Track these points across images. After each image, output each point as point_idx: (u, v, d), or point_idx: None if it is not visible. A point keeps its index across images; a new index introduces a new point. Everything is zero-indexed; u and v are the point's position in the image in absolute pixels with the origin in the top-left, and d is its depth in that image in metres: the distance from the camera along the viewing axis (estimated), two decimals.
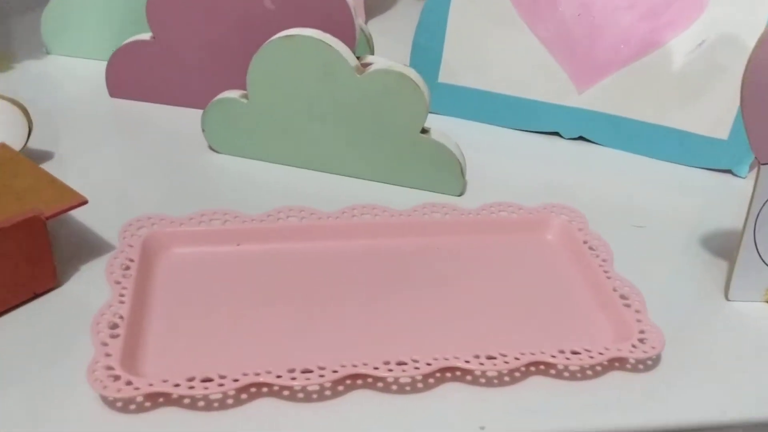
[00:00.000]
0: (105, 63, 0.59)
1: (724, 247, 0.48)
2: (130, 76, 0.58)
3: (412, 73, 0.48)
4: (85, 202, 0.40)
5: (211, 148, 0.54)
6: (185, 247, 0.43)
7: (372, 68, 0.48)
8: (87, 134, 0.55)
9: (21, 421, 0.33)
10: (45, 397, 0.34)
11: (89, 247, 0.43)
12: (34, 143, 0.52)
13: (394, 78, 0.48)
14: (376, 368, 0.35)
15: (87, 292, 0.40)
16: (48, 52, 0.65)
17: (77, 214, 0.45)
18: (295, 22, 0.51)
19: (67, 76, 0.62)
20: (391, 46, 0.62)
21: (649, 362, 0.39)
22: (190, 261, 0.42)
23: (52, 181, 0.41)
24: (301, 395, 0.35)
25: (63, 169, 0.50)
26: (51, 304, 0.39)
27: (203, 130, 0.53)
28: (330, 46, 0.48)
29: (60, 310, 0.39)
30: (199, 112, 0.55)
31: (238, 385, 0.34)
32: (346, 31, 0.53)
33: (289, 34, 0.48)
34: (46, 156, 0.51)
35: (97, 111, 0.58)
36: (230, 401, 0.34)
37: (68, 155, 0.52)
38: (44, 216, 0.38)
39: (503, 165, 0.56)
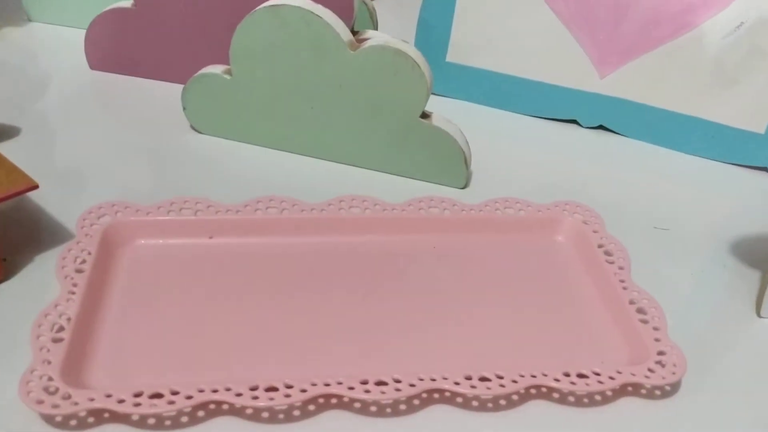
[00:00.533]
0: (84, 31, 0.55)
1: (757, 255, 0.43)
2: (111, 46, 0.53)
3: (412, 51, 0.43)
4: (35, 187, 0.35)
5: (192, 127, 0.49)
6: (151, 239, 0.38)
7: (367, 44, 0.43)
8: (61, 109, 0.51)
9: None
10: None
11: (47, 235, 0.39)
12: (1, 117, 0.48)
13: (391, 55, 0.43)
14: (351, 388, 0.30)
15: (39, 286, 0.36)
16: (29, 19, 0.61)
17: (36, 198, 0.41)
18: None
19: (48, 45, 0.58)
20: (400, 22, 0.57)
21: (668, 388, 0.34)
22: (156, 254, 0.38)
23: (1, 162, 0.37)
24: (265, 414, 0.31)
25: (28, 147, 0.46)
26: None
27: (184, 108, 0.48)
28: (320, 17, 0.43)
29: (5, 306, 0.35)
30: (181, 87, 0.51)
31: (191, 402, 0.29)
32: (342, 3, 0.48)
33: (274, 3, 0.43)
34: (11, 131, 0.47)
35: (75, 84, 0.53)
36: (185, 419, 0.30)
37: (37, 131, 0.48)
38: None
39: (513, 155, 0.51)
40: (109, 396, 0.29)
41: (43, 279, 0.36)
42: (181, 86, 0.49)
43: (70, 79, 0.54)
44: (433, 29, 0.54)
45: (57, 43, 0.58)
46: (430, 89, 0.44)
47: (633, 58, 0.52)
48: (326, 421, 0.31)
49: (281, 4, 0.43)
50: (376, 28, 0.57)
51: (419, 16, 0.54)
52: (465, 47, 0.54)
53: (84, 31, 0.56)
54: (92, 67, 0.55)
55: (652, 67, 0.51)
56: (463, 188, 0.46)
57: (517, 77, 0.54)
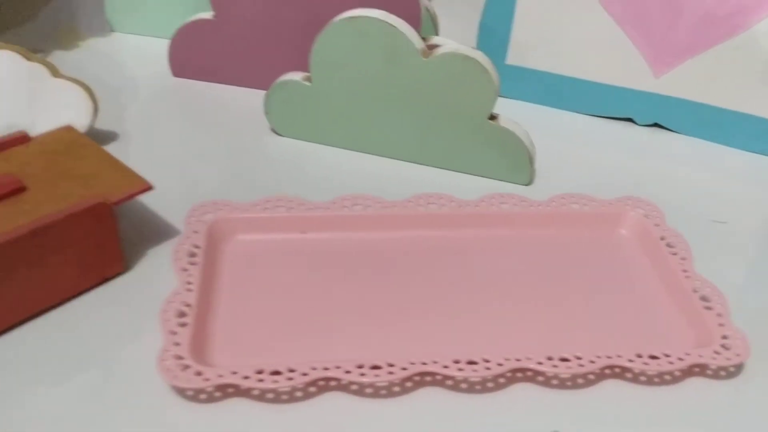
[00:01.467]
0: (167, 41, 0.59)
1: None
2: (193, 55, 0.57)
3: (481, 57, 0.46)
4: (149, 188, 0.39)
5: (273, 130, 0.53)
6: (250, 234, 0.42)
7: (439, 51, 0.47)
8: (149, 115, 0.55)
9: (89, 405, 0.33)
10: (115, 382, 0.34)
11: (154, 231, 0.43)
12: (97, 123, 0.52)
13: (461, 62, 0.46)
14: (446, 367, 0.34)
15: (154, 277, 0.40)
16: (112, 30, 0.65)
17: (140, 197, 0.45)
18: (359, 1, 0.50)
19: (132, 54, 0.62)
20: (455, 25, 0.60)
21: (732, 369, 0.37)
22: (255, 248, 0.42)
23: (117, 165, 0.41)
24: (369, 390, 0.34)
25: (125, 151, 0.50)
26: (119, 289, 0.39)
27: (266, 113, 0.52)
28: (395, 27, 0.46)
29: (128, 294, 0.39)
30: (262, 93, 0.55)
31: (306, 379, 0.33)
32: (410, 11, 0.51)
33: (352, 15, 0.47)
34: (109, 137, 0.51)
35: (160, 91, 0.58)
36: (299, 394, 0.34)
37: (130, 136, 0.52)
38: (110, 202, 0.38)
39: (572, 153, 0.54)
40: (234, 373, 0.33)
41: (156, 270, 0.40)
42: (258, 91, 0.53)
43: (154, 86, 0.58)
44: (494, 33, 0.57)
45: (139, 52, 0.62)
46: (498, 93, 0.47)
47: (687, 58, 0.54)
48: (422, 396, 0.34)
49: (359, 16, 0.46)
50: (437, 32, 0.60)
51: (481, 20, 0.57)
52: (524, 50, 0.57)
53: (164, 41, 0.60)
54: (175, 74, 0.59)
55: (706, 67, 0.53)
56: (527, 185, 0.49)
57: (574, 78, 0.57)
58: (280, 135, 0.53)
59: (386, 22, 0.46)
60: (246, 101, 0.56)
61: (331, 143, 0.52)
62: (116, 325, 0.37)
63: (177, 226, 0.43)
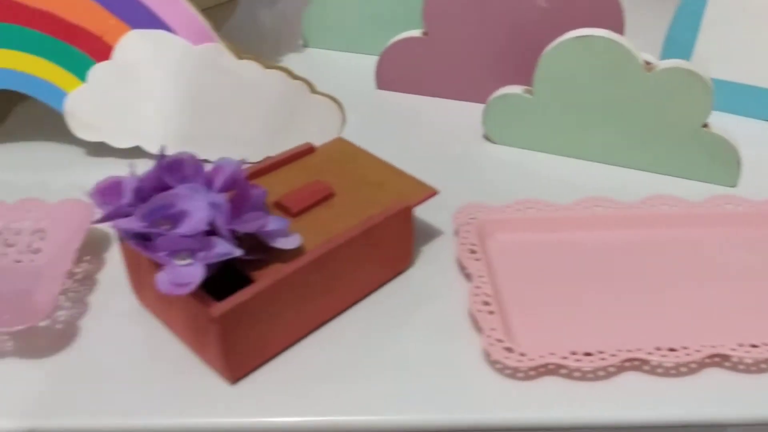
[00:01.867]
0: (360, 56, 0.65)
1: None
2: (401, 69, 0.62)
3: (701, 70, 0.51)
4: (436, 193, 0.45)
5: (486, 138, 0.58)
6: (507, 233, 0.47)
7: (660, 66, 0.51)
8: (364, 124, 0.59)
9: (415, 382, 0.39)
10: (433, 363, 0.40)
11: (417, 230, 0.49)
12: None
13: (684, 76, 0.51)
14: (733, 349, 0.39)
15: (433, 271, 0.45)
16: (305, 46, 0.70)
17: None
18: (566, 20, 0.54)
19: (329, 68, 0.68)
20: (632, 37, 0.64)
21: None
22: (514, 246, 0.47)
23: (398, 172, 0.46)
24: (659, 370, 0.39)
25: None
26: (412, 281, 0.45)
27: (484, 122, 0.57)
28: (622, 45, 0.51)
29: (420, 285, 0.44)
30: (465, 103, 0.60)
31: (615, 359, 0.38)
32: (615, 28, 0.56)
33: (581, 34, 0.52)
34: None
35: (368, 103, 0.63)
36: (601, 373, 0.39)
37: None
38: (412, 205, 0.43)
39: (759, 156, 0.58)
40: (553, 354, 0.38)
41: (432, 265, 0.46)
42: (460, 102, 0.58)
43: (362, 99, 0.63)
44: (679, 45, 0.61)
45: (335, 67, 0.68)
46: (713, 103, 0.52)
47: None
48: (706, 375, 0.39)
49: (588, 35, 0.51)
50: None
51: (668, 33, 0.61)
52: (707, 60, 0.61)
53: (354, 55, 0.66)
54: (380, 87, 0.64)
55: None
56: (732, 187, 0.54)
57: (751, 86, 0.61)
58: (494, 143, 0.58)
59: (614, 41, 0.51)
60: (452, 111, 0.61)
61: (548, 150, 0.57)
62: (419, 313, 0.43)
63: (434, 226, 0.49)
